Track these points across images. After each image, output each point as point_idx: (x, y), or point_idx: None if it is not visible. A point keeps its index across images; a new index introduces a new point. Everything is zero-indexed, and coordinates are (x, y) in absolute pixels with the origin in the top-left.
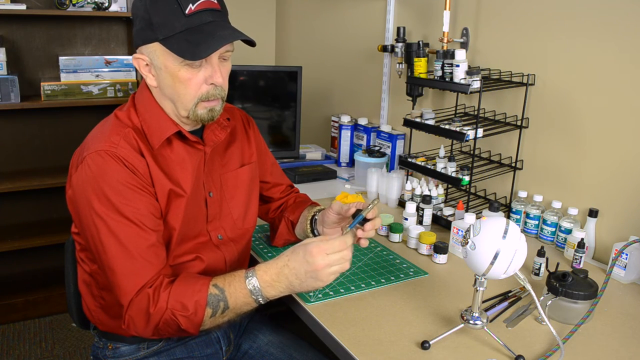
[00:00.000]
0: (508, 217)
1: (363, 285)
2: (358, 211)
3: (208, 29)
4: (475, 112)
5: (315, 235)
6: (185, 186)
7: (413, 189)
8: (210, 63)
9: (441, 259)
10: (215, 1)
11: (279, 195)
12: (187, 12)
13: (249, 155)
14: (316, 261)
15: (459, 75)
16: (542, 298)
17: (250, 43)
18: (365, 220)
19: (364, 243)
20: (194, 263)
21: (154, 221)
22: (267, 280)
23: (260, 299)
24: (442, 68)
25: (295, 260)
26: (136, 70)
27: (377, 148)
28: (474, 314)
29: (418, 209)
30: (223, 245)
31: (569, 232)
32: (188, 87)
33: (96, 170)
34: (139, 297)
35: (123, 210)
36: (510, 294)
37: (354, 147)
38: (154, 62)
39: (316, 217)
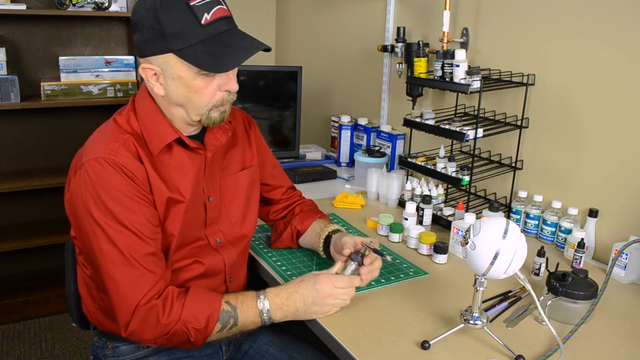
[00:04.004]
0: (508, 217)
1: (363, 285)
2: (353, 254)
3: (226, 38)
4: (475, 112)
5: (326, 254)
6: (184, 192)
7: (413, 189)
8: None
9: (441, 259)
10: (225, 7)
11: (279, 197)
12: (203, 22)
13: (249, 158)
14: (324, 289)
15: (459, 75)
16: (542, 298)
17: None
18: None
19: (364, 282)
20: (193, 267)
21: (152, 229)
22: (278, 303)
23: (267, 320)
24: (442, 68)
25: (305, 287)
26: (136, 70)
27: (377, 148)
28: (474, 314)
29: (418, 209)
30: (222, 248)
31: (569, 232)
32: (203, 95)
33: (95, 177)
34: (146, 307)
35: (121, 218)
36: (510, 294)
37: (354, 147)
38: (166, 72)
39: (331, 239)
